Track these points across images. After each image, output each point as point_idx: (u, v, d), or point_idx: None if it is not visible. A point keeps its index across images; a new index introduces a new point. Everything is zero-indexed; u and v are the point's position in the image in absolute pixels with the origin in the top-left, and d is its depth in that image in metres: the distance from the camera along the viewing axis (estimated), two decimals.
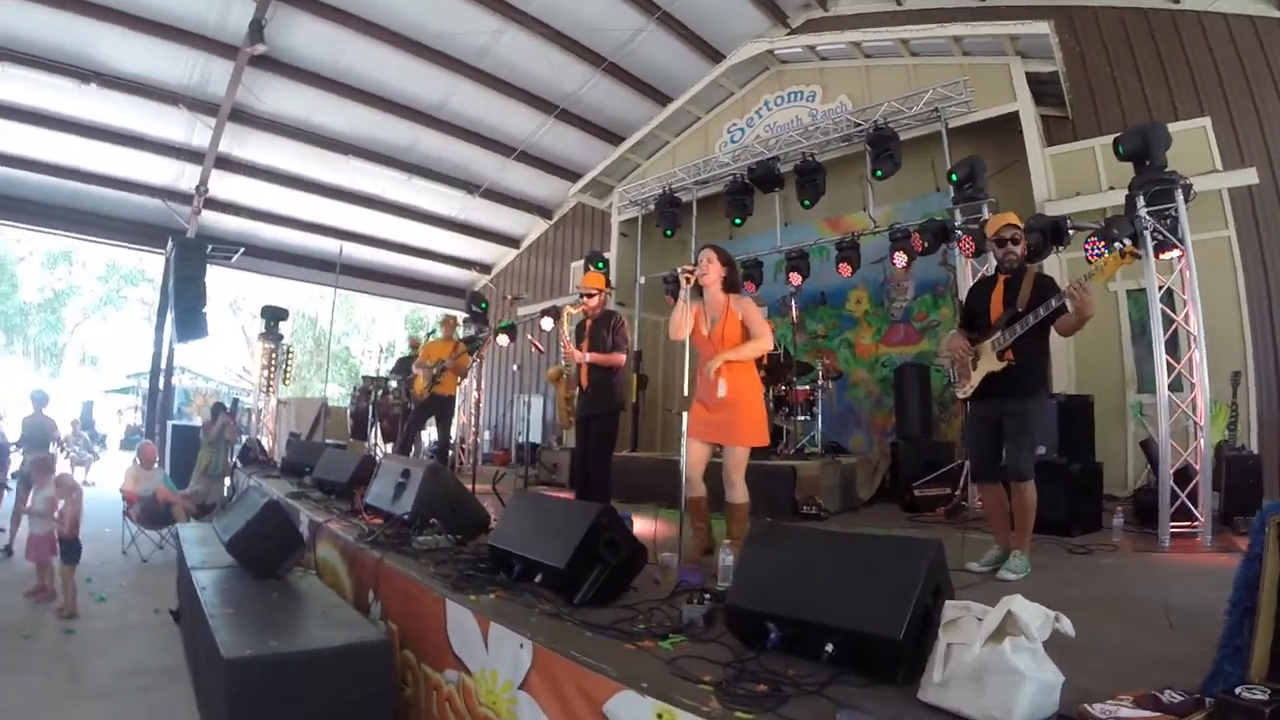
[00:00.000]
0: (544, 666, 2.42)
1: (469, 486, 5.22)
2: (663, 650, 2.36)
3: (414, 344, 10.97)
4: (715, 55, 11.28)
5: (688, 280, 4.03)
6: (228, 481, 9.57)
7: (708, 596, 2.77)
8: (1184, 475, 5.05)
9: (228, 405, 10.33)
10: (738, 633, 2.41)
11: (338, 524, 4.83)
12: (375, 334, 29.48)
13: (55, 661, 4.51)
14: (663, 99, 11.97)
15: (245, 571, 4.02)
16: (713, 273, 4.15)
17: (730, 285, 4.19)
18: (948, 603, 2.05)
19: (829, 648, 2.10)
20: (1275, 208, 7.25)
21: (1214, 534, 4.91)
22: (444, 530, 4.12)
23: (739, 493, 4.00)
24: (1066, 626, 1.88)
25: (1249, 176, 6.96)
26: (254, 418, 11.45)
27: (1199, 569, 4.31)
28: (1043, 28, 7.65)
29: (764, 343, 4.07)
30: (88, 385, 28.12)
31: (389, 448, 10.15)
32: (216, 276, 15.37)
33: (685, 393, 3.92)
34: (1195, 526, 4.94)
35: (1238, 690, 1.66)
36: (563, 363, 5.64)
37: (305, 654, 2.86)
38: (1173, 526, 4.91)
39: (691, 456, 4.05)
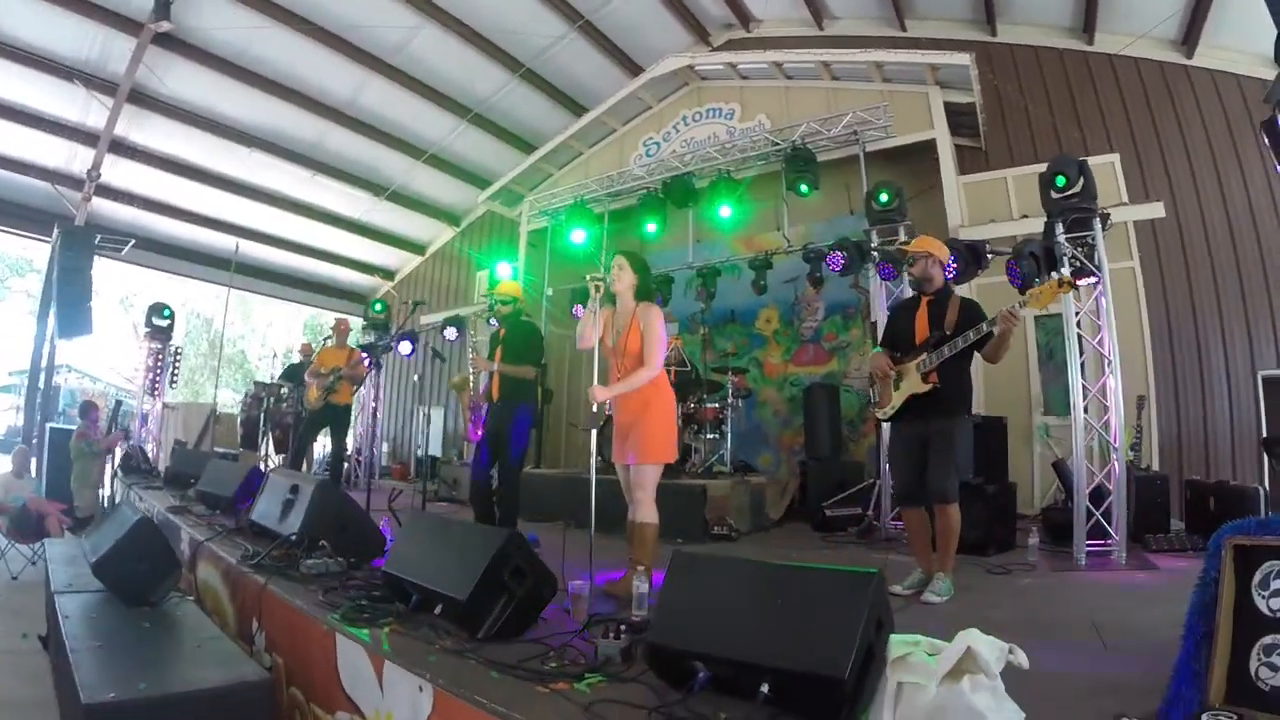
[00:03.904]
0: (446, 712, 2.14)
1: (364, 503, 4.82)
2: (579, 693, 2.10)
3: (305, 350, 10.38)
4: (635, 69, 11.19)
5: (596, 289, 3.80)
6: (104, 491, 8.78)
7: (624, 628, 2.52)
8: (1096, 495, 5.15)
9: (109, 405, 9.51)
10: (661, 672, 2.16)
11: (220, 543, 4.39)
12: (272, 338, 28.00)
13: None
14: (578, 109, 11.81)
15: (115, 597, 3.63)
16: (623, 280, 3.92)
17: (642, 293, 3.96)
18: (893, 637, 1.88)
19: (764, 688, 1.88)
20: (1176, 241, 7.66)
21: (1127, 551, 5.00)
22: (334, 553, 3.74)
23: (642, 511, 3.74)
24: (1020, 659, 1.74)
25: (1156, 210, 7.32)
26: (138, 423, 10.54)
27: (1118, 587, 4.37)
28: (964, 59, 7.84)
29: (647, 371, 3.74)
30: None
31: (281, 459, 9.54)
32: (107, 270, 14.29)
33: (594, 407, 3.71)
34: (1109, 545, 5.02)
35: (1204, 717, 1.58)
36: (468, 371, 5.34)
37: (176, 697, 2.51)
38: (1088, 545, 4.98)
39: (622, 481, 3.89)
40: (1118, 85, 8.33)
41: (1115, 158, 7.60)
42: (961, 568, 4.40)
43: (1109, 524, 5.04)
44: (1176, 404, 7.40)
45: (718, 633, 2.07)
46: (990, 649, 1.69)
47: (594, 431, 3.79)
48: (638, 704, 1.97)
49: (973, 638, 1.68)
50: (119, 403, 10.15)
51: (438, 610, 2.80)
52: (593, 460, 3.70)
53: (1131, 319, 7.08)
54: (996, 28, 9.14)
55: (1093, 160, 7.10)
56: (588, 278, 3.84)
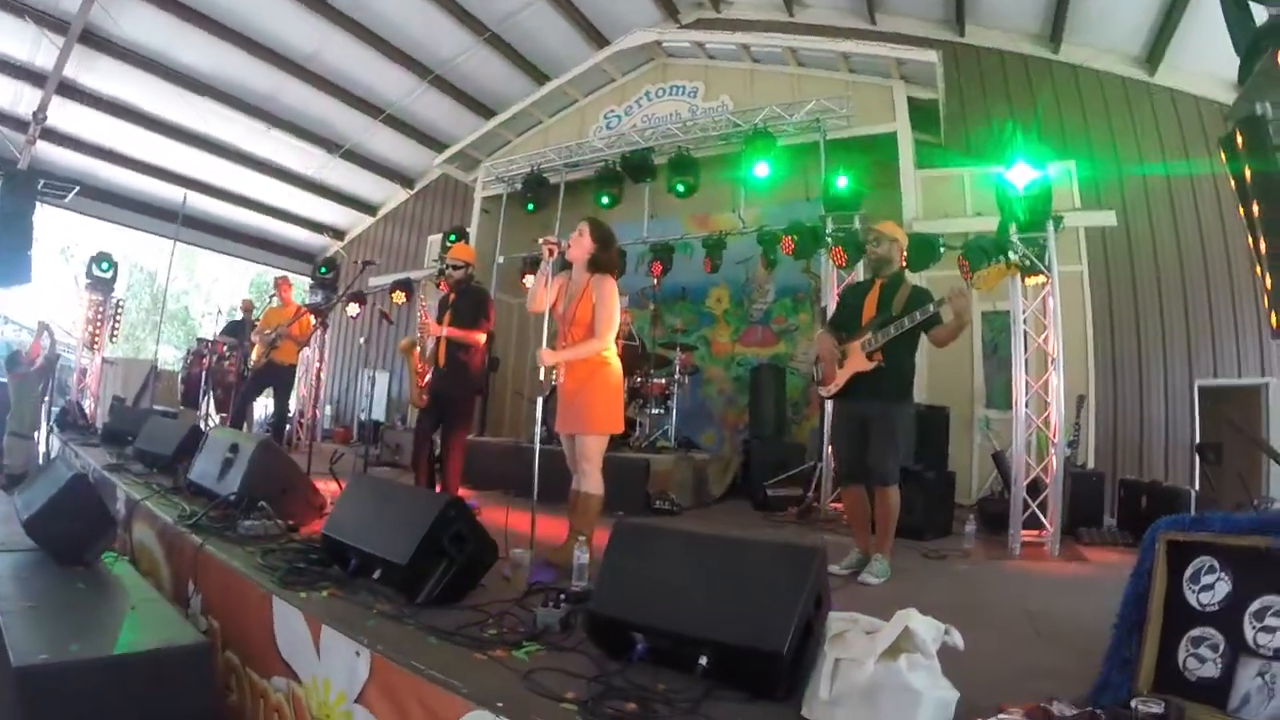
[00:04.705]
0: (383, 678, 2.12)
1: (305, 465, 4.72)
2: (517, 661, 2.10)
3: (246, 307, 10.05)
4: (600, 39, 11.09)
5: (550, 253, 3.75)
6: (41, 447, 8.43)
7: (563, 598, 2.52)
8: (1033, 487, 5.30)
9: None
10: (600, 642, 2.17)
11: (157, 503, 4.27)
12: (217, 295, 27.08)
13: None
14: (541, 77, 11.69)
15: (47, 556, 3.49)
16: (580, 248, 3.82)
17: (598, 265, 3.83)
18: (832, 614, 1.91)
19: (703, 661, 1.90)
20: (1125, 250, 7.88)
21: (1060, 543, 5.15)
22: (273, 515, 3.67)
23: (588, 482, 3.71)
24: (956, 640, 1.79)
25: (1108, 218, 7.51)
26: (76, 377, 10.13)
27: (1051, 577, 4.50)
28: (930, 56, 7.92)
29: (597, 342, 3.69)
30: None
31: (222, 418, 9.29)
32: (49, 218, 13.68)
33: (541, 374, 3.67)
34: (1043, 536, 5.18)
35: (1133, 703, 1.64)
36: (417, 334, 5.26)
37: (111, 660, 2.42)
38: (1022, 535, 5.12)
39: (566, 451, 3.85)
40: (1079, 95, 8.48)
41: (1071, 164, 7.75)
42: (899, 551, 4.48)
43: (1044, 516, 5.20)
44: (1115, 406, 7.68)
45: (658, 604, 2.08)
46: (928, 629, 1.73)
47: (540, 399, 3.76)
48: (576, 673, 1.98)
49: (911, 617, 1.72)
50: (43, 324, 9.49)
51: (376, 575, 2.77)
52: (537, 429, 3.67)
53: (1076, 321, 7.25)
54: (965, 29, 9.23)
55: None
56: (541, 240, 3.79)
